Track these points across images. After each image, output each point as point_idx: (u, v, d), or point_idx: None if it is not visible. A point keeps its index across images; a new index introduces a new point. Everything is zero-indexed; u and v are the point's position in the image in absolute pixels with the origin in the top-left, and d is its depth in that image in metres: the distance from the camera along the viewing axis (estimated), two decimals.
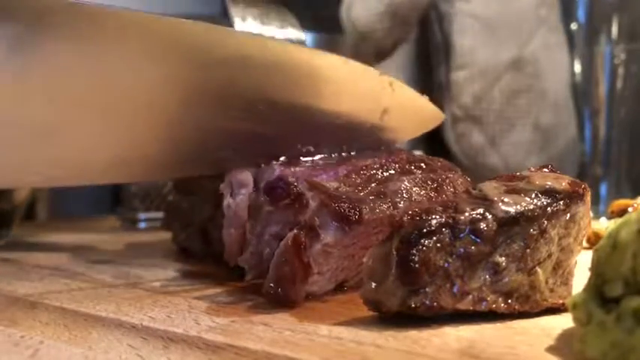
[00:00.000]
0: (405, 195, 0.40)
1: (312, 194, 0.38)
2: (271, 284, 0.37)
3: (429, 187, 0.41)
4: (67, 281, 0.46)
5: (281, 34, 0.55)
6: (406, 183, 0.41)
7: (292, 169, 0.42)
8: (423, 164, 0.43)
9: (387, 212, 0.38)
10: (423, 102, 0.51)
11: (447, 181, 0.42)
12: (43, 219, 0.92)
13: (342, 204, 0.37)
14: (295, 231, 0.37)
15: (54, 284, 0.45)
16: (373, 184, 0.41)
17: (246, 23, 0.53)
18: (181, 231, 0.58)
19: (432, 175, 0.42)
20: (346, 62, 0.44)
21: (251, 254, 0.40)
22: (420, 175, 0.42)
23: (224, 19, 0.56)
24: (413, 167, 0.43)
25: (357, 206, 0.38)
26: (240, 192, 0.45)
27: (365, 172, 0.42)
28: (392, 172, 0.42)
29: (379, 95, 0.47)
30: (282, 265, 0.37)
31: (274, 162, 0.44)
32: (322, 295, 0.40)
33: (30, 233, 0.73)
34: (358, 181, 0.41)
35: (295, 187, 0.39)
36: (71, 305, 0.39)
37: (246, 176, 0.44)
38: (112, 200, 0.89)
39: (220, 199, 0.46)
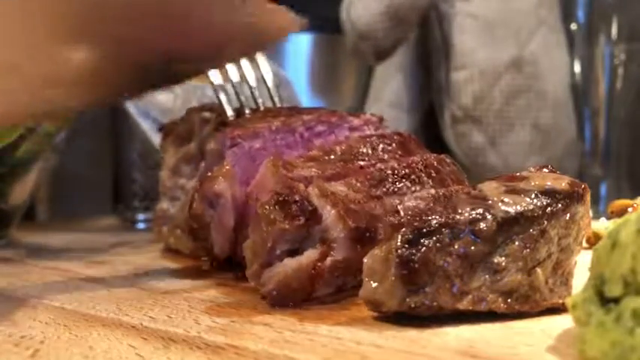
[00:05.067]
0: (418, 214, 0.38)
1: (322, 203, 0.38)
2: (274, 289, 0.37)
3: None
4: (67, 281, 0.46)
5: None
6: (420, 200, 0.40)
7: (301, 174, 0.41)
8: (433, 172, 0.43)
9: None
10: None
11: None
12: (43, 219, 0.92)
13: (360, 225, 0.37)
14: (317, 258, 0.37)
15: (54, 284, 0.45)
16: (384, 193, 0.40)
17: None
18: (170, 234, 0.58)
19: (444, 193, 0.41)
20: None
21: (260, 266, 0.38)
22: (432, 191, 0.41)
23: None
24: (424, 175, 0.42)
25: (374, 226, 0.37)
26: (219, 202, 0.45)
27: (376, 177, 0.41)
28: (404, 181, 0.41)
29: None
30: (293, 279, 0.37)
31: (239, 140, 0.44)
32: (322, 296, 0.40)
33: (30, 233, 0.73)
34: (366, 186, 0.40)
35: (309, 201, 0.38)
36: (71, 305, 0.39)
37: (222, 187, 0.44)
38: (112, 200, 0.89)
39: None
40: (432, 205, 0.37)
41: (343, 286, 0.41)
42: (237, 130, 0.47)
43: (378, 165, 0.43)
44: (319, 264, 0.37)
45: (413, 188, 0.41)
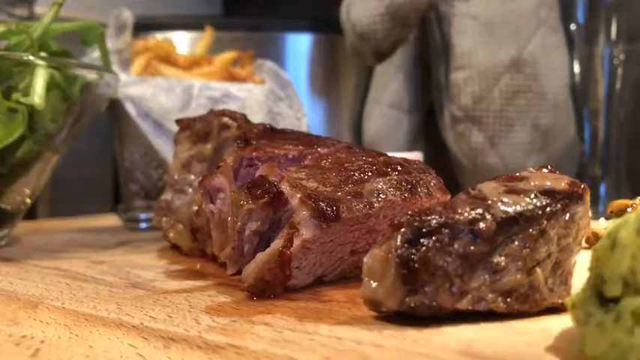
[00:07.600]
0: (380, 195, 0.42)
1: (291, 193, 0.40)
2: (252, 281, 0.40)
3: (403, 188, 0.43)
4: (67, 281, 0.46)
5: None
6: (382, 184, 0.43)
7: (274, 170, 0.43)
8: (399, 166, 0.45)
9: (363, 211, 0.41)
10: None
11: (421, 182, 0.44)
12: (43, 219, 0.92)
13: (321, 202, 0.40)
14: (282, 245, 0.39)
15: (55, 284, 0.45)
16: (350, 185, 0.42)
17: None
18: (171, 228, 0.59)
19: (406, 177, 0.44)
20: None
21: (232, 249, 0.42)
22: (395, 177, 0.44)
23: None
24: (389, 169, 0.44)
25: (335, 204, 0.40)
26: (218, 196, 0.47)
27: (343, 173, 0.43)
28: (369, 173, 0.43)
29: None
30: (265, 271, 0.40)
31: (256, 162, 0.46)
32: (322, 296, 0.40)
33: (30, 233, 0.73)
34: (336, 182, 0.42)
35: (275, 185, 0.40)
36: (72, 305, 0.39)
37: (221, 181, 0.46)
38: (113, 200, 0.89)
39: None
40: (394, 184, 0.41)
41: (323, 277, 0.43)
42: (255, 152, 0.48)
43: (346, 165, 0.45)
44: (287, 251, 0.39)
45: (378, 179, 0.43)
